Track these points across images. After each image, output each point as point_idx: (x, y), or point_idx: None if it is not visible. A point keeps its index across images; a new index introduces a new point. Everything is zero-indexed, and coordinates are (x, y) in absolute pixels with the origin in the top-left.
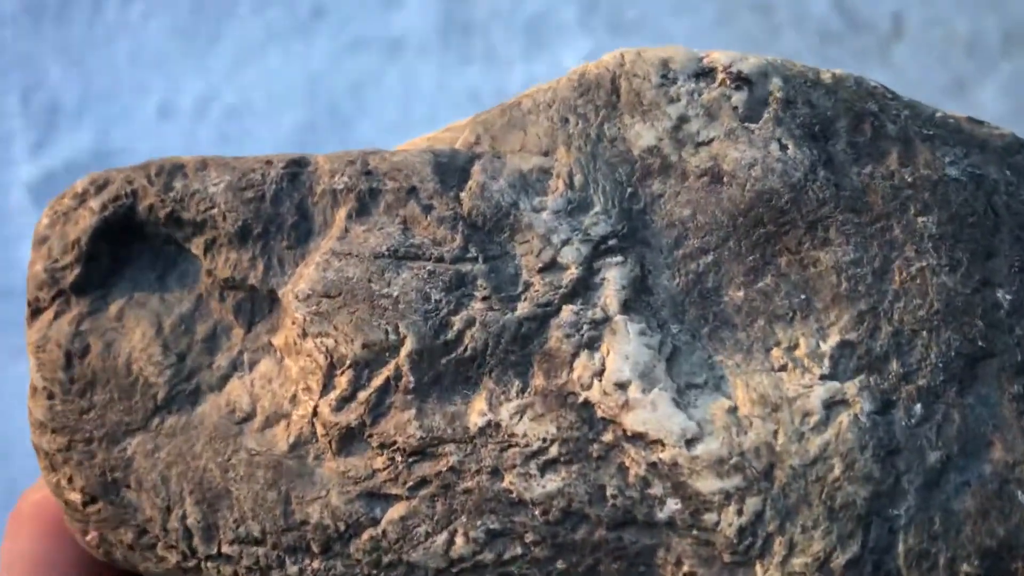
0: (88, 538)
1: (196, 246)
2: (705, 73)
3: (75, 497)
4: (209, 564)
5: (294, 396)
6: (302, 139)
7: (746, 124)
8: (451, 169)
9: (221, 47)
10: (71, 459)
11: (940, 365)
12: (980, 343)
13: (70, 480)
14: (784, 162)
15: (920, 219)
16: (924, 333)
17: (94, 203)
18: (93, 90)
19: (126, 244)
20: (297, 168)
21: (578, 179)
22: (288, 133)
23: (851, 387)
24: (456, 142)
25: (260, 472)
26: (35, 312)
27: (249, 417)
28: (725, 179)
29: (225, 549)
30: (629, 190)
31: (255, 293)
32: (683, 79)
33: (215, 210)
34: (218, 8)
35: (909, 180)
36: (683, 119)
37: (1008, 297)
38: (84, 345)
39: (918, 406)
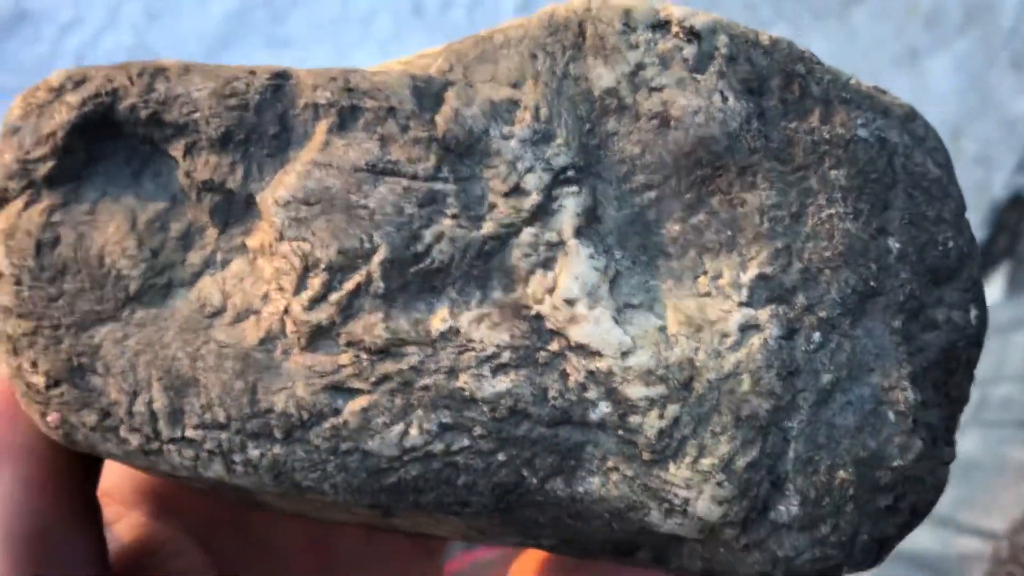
0: (49, 419)
1: (175, 148)
2: (661, 25)
3: (38, 380)
4: (171, 446)
5: (266, 295)
6: (229, 26)
7: (694, 75)
8: (427, 93)
9: None
10: (36, 343)
11: (838, 300)
12: (871, 283)
13: (34, 364)
14: (724, 112)
15: (833, 172)
16: (827, 271)
17: (71, 98)
18: None
19: (101, 141)
20: (280, 80)
21: (544, 112)
22: (217, 18)
23: (763, 314)
24: (430, 68)
25: (229, 363)
26: (1, 201)
27: (220, 312)
28: (672, 123)
29: (189, 433)
30: (588, 126)
31: (232, 196)
32: (642, 28)
33: (198, 114)
34: None
35: (827, 137)
36: (640, 66)
37: (897, 245)
38: (55, 235)
39: (817, 334)
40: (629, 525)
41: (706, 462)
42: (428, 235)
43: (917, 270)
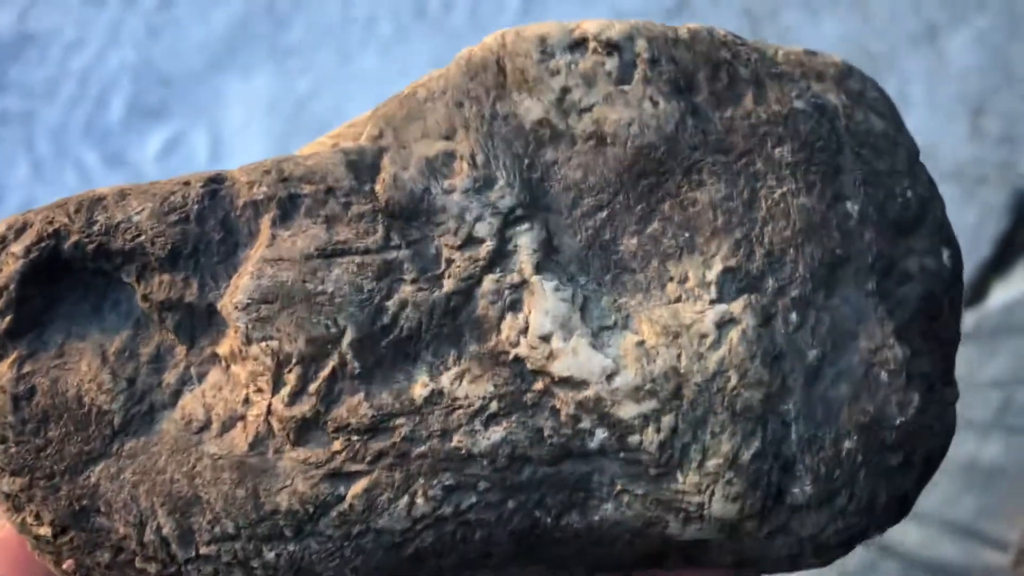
0: (64, 567)
1: (128, 273)
2: (578, 44)
3: (45, 532)
4: (189, 567)
5: (246, 399)
6: (232, 37)
7: (620, 87)
8: (362, 165)
9: None
10: (35, 496)
11: (807, 276)
12: (837, 251)
13: (37, 516)
14: (657, 117)
15: (777, 150)
16: (791, 250)
17: (16, 248)
18: None
19: (54, 282)
20: (215, 185)
21: (480, 158)
22: (219, 29)
23: (736, 307)
24: (360, 137)
25: (226, 474)
26: None
27: (206, 426)
28: (608, 140)
29: (203, 550)
30: (527, 161)
31: (193, 310)
32: (560, 52)
33: (142, 237)
34: None
35: (764, 117)
36: (565, 90)
37: (856, 207)
38: (30, 386)
39: (793, 314)
40: (651, 540)
41: (712, 463)
42: (391, 305)
43: (881, 227)
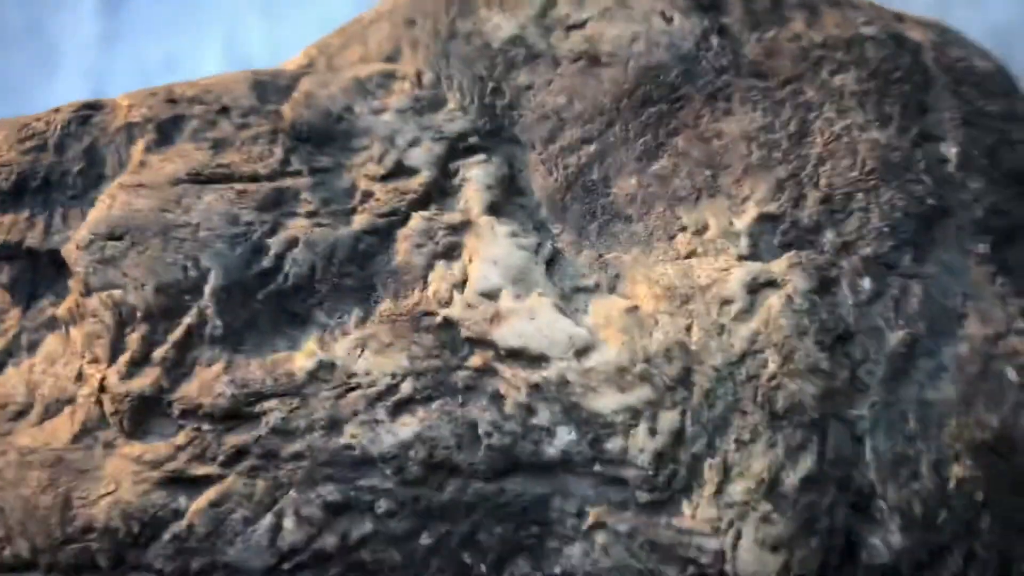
0: None
1: None
2: None
3: None
4: None
5: (79, 373)
6: None
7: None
8: (273, 88)
9: None
10: None
11: (886, 229)
12: (929, 200)
13: None
14: (670, 33)
15: (837, 77)
16: (860, 195)
17: None
18: (282, 46)
19: None
20: (90, 111)
21: (428, 78)
22: None
23: (778, 265)
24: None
25: (34, 473)
26: None
27: (25, 410)
28: (603, 59)
29: None
30: (491, 85)
31: (35, 258)
32: None
33: None
34: None
35: (819, 40)
36: (549, 4)
37: (954, 150)
38: None
39: (866, 280)
40: None
41: (738, 488)
42: (275, 244)
43: (993, 177)
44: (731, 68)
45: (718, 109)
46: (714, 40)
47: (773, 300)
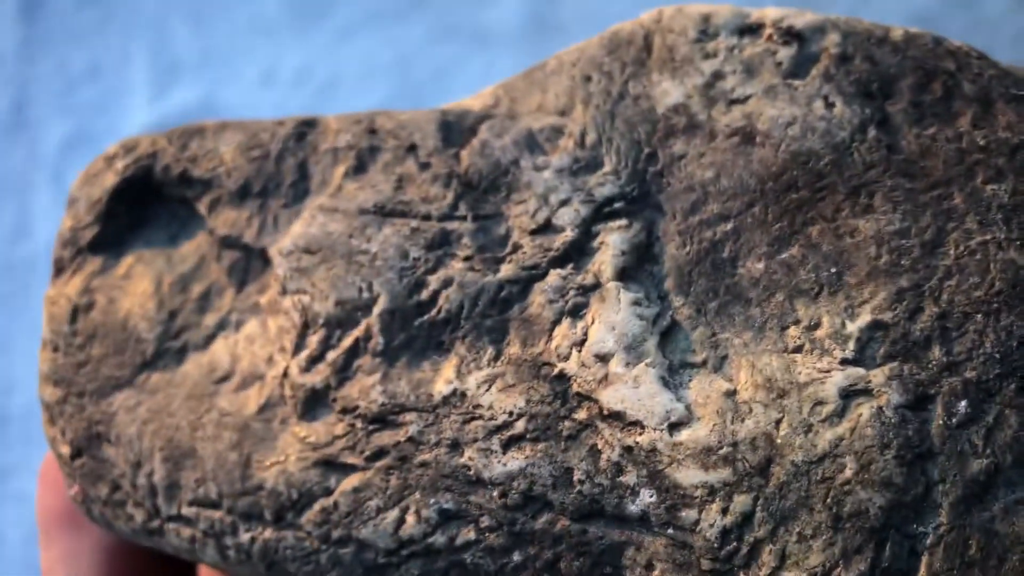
0: (72, 492)
1: (204, 205)
2: (750, 29)
3: (65, 450)
4: (170, 525)
5: (270, 357)
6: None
7: (789, 81)
8: (457, 129)
9: (326, 24)
10: (65, 412)
11: (997, 356)
12: None
13: (63, 433)
14: (828, 120)
15: (990, 187)
16: (979, 317)
17: (119, 164)
18: (211, 51)
19: (146, 205)
20: (305, 128)
21: (590, 137)
22: (372, 107)
23: (878, 374)
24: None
25: (227, 433)
26: (58, 270)
27: (227, 377)
28: (758, 139)
29: (184, 510)
30: (647, 150)
31: (249, 252)
32: (724, 35)
33: (222, 168)
34: None
35: (981, 143)
36: (717, 75)
37: None
38: (90, 301)
39: (963, 403)
40: None
41: None
42: (434, 281)
43: None
44: (881, 163)
45: (859, 205)
46: (871, 132)
47: (864, 409)
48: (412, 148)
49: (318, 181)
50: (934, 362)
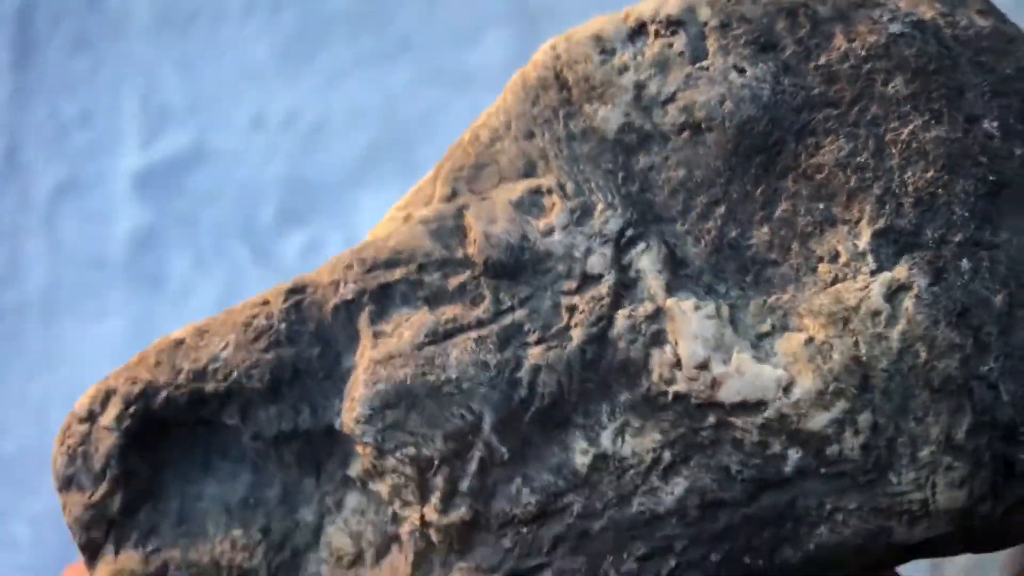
0: None
1: (230, 415)
2: (636, 32)
3: None
4: None
5: (394, 516)
6: (370, 156)
7: (698, 65)
8: (446, 232)
9: (313, 68)
10: None
11: (966, 215)
12: (991, 177)
13: None
14: (748, 85)
15: (890, 87)
16: (940, 191)
17: (106, 421)
18: (201, 96)
19: (156, 445)
20: (297, 296)
21: (570, 187)
22: (360, 151)
23: (901, 270)
24: (432, 200)
25: None
26: (95, 552)
27: (358, 557)
28: (703, 125)
29: None
30: (621, 175)
31: (312, 437)
32: (620, 46)
33: (235, 373)
34: (317, 34)
35: (862, 54)
36: (639, 85)
37: (994, 123)
38: (161, 564)
39: (964, 261)
40: (875, 551)
41: (925, 452)
42: (524, 375)
43: None
44: (805, 104)
45: (810, 145)
46: (784, 80)
47: (908, 301)
48: (422, 268)
49: (344, 338)
50: (931, 241)
